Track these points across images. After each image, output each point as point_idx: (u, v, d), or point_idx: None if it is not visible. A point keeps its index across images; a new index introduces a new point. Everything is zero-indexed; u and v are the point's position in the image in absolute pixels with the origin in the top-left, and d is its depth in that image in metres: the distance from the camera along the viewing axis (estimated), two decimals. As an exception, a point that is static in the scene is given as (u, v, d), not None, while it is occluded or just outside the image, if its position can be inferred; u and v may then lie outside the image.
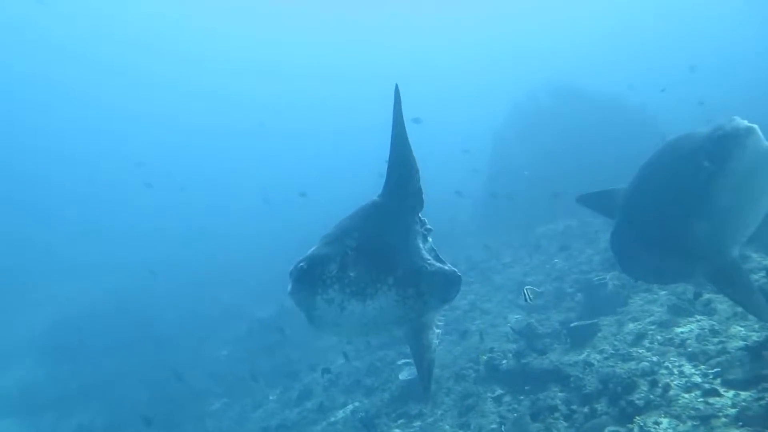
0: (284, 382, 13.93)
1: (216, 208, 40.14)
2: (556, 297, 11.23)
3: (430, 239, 3.97)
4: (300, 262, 3.59)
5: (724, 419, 5.37)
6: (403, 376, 10.34)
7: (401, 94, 3.76)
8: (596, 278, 10.07)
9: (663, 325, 7.64)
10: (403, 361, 11.14)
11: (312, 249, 3.69)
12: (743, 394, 5.61)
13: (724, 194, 4.35)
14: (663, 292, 8.62)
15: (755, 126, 4.27)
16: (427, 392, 3.84)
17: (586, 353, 8.01)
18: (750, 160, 4.27)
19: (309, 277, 3.52)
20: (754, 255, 8.28)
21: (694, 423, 5.54)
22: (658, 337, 7.41)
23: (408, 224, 3.84)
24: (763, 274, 7.35)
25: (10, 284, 30.66)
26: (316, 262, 3.53)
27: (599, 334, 8.40)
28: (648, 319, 8.01)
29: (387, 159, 3.83)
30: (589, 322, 8.73)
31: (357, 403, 10.82)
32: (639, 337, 7.65)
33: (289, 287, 3.62)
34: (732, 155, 4.26)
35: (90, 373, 18.21)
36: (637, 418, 5.95)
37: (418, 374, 3.83)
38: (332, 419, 10.71)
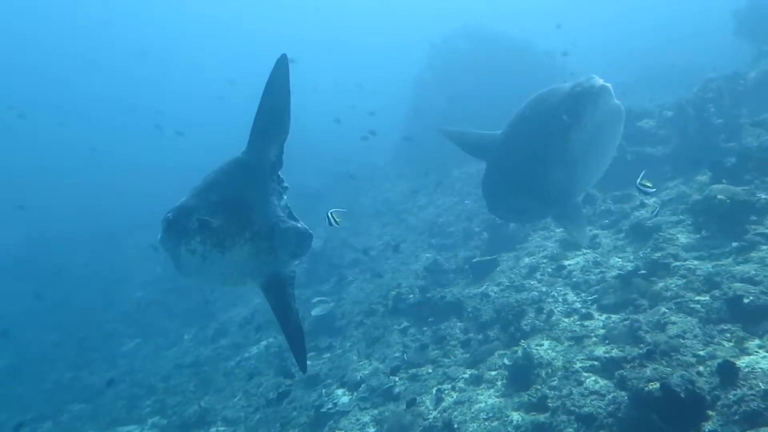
0: (200, 321, 13.99)
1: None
2: (465, 236, 11.76)
3: (285, 197, 4.10)
4: (168, 212, 3.69)
5: (594, 339, 5.98)
6: (316, 312, 10.67)
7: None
8: (500, 218, 10.62)
9: (554, 258, 8.24)
10: (318, 299, 11.45)
11: (181, 200, 3.78)
12: (613, 317, 6.23)
13: (577, 145, 4.83)
14: (559, 230, 9.24)
15: (608, 85, 4.74)
16: (304, 368, 3.91)
17: (485, 286, 8.54)
18: (600, 115, 4.76)
19: (174, 228, 3.65)
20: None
21: (570, 344, 6.12)
22: (549, 270, 8.00)
23: (266, 182, 3.96)
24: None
25: None
26: (182, 213, 3.65)
27: (498, 269, 8.95)
28: (542, 254, 8.60)
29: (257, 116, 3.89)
30: (490, 258, 9.26)
31: (271, 339, 11.07)
32: (532, 270, 8.22)
33: (159, 236, 3.74)
34: (585, 110, 4.72)
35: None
36: (523, 342, 6.48)
37: (289, 344, 3.89)
38: (246, 355, 10.95)
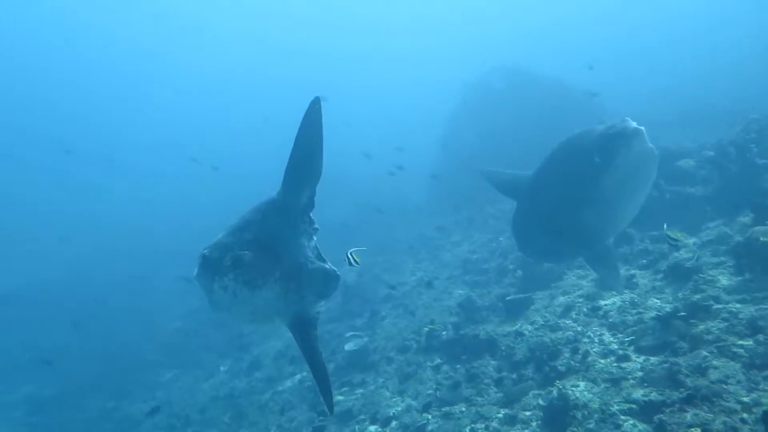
0: (235, 354, 14.14)
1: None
2: (498, 273, 11.70)
3: (314, 238, 4.20)
4: (204, 248, 3.83)
5: (632, 381, 5.87)
6: (349, 347, 10.69)
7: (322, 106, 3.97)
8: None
9: (589, 297, 8.15)
10: (351, 333, 11.51)
11: (217, 237, 3.93)
12: (652, 359, 6.12)
13: (609, 188, 4.86)
14: (594, 269, 9.15)
15: (642, 128, 4.77)
16: (331, 408, 3.95)
17: (519, 324, 8.47)
18: (633, 158, 4.79)
19: (209, 264, 3.81)
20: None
21: (607, 385, 6.03)
22: (585, 309, 7.90)
23: (297, 223, 4.09)
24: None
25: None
26: (216, 251, 3.80)
27: (532, 307, 8.88)
28: (577, 293, 8.51)
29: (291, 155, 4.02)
30: (524, 295, 9.21)
31: (305, 373, 11.11)
32: (567, 309, 8.14)
33: (195, 271, 3.87)
34: (619, 153, 4.76)
35: (40, 344, 18.01)
36: (558, 382, 6.40)
37: (317, 384, 3.96)
38: (279, 388, 11.01)
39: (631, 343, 6.64)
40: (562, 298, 8.60)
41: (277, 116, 28.01)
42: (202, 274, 3.88)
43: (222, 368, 13.82)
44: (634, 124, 4.87)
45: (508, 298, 9.39)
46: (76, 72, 58.57)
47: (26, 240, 31.34)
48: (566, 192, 5.10)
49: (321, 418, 8.77)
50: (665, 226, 5.69)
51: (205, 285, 3.90)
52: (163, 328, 17.88)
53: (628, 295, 7.71)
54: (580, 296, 8.37)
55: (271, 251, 3.90)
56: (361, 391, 9.44)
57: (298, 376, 11.16)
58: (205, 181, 32.76)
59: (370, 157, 18.59)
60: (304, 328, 4.05)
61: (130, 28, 59.44)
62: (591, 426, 5.40)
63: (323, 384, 3.91)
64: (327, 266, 4.14)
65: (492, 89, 20.55)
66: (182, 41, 62.49)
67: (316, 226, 4.26)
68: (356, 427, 8.23)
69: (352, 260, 5.26)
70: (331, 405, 3.95)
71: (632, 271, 8.36)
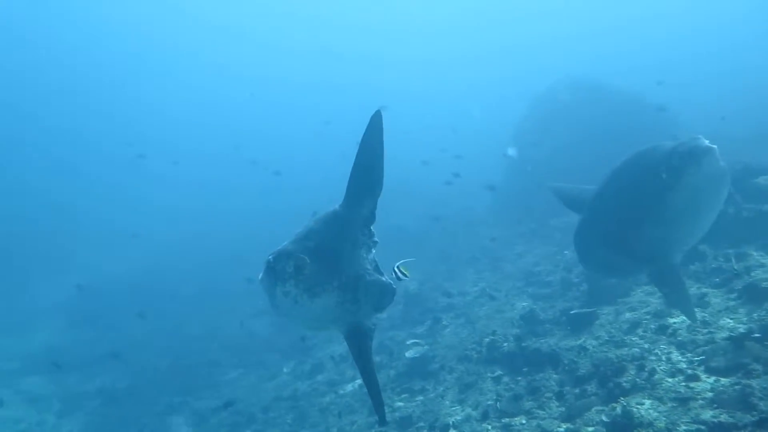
0: (298, 356, 14.50)
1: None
2: (563, 287, 11.55)
3: (373, 251, 4.32)
4: (270, 255, 4.02)
5: (701, 401, 5.72)
6: (410, 354, 10.81)
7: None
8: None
9: (658, 315, 7.95)
10: (412, 341, 11.63)
11: (282, 245, 4.11)
12: (723, 380, 5.94)
13: (675, 206, 4.77)
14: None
15: (714, 147, 4.66)
16: (383, 420, 4.14)
17: (582, 339, 8.36)
18: (703, 177, 4.68)
19: (273, 270, 3.98)
20: (755, 253, 8.55)
21: (674, 405, 5.89)
22: (652, 326, 7.73)
23: (357, 235, 4.24)
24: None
25: (42, 248, 31.95)
26: (281, 257, 3.96)
27: (597, 322, 8.74)
28: (644, 310, 8.33)
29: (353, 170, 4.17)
30: (589, 310, 9.07)
31: (365, 379, 11.29)
32: (634, 326, 7.97)
33: (260, 275, 4.08)
34: (687, 171, 4.67)
35: (113, 339, 19.04)
36: (622, 399, 6.30)
37: (369, 395, 4.15)
38: (341, 392, 11.24)
39: (701, 363, 6.46)
40: (628, 314, 8.43)
41: (338, 122, 28.54)
42: (266, 279, 4.06)
43: (285, 370, 14.21)
44: (706, 142, 4.77)
45: (572, 312, 9.28)
46: (147, 85, 61.41)
47: (105, 233, 32.96)
48: (630, 207, 5.06)
49: (382, 428, 8.85)
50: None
51: (268, 289, 4.08)
52: (229, 329, 18.52)
53: (699, 314, 7.47)
54: (648, 313, 8.18)
55: (331, 261, 4.04)
56: (421, 398, 9.54)
57: (359, 381, 11.33)
58: (268, 189, 33.81)
59: (428, 165, 18.66)
60: (358, 339, 4.19)
61: (198, 42, 62.10)
62: (656, 445, 5.31)
63: (375, 395, 4.03)
64: (384, 279, 4.27)
65: (560, 100, 20.28)
66: (248, 53, 64.46)
67: (376, 239, 4.39)
68: (415, 434, 8.32)
69: (399, 274, 5.23)
70: (383, 415, 4.07)
71: (704, 290, 8.11)
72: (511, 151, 18.83)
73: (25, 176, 48.05)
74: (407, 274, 5.17)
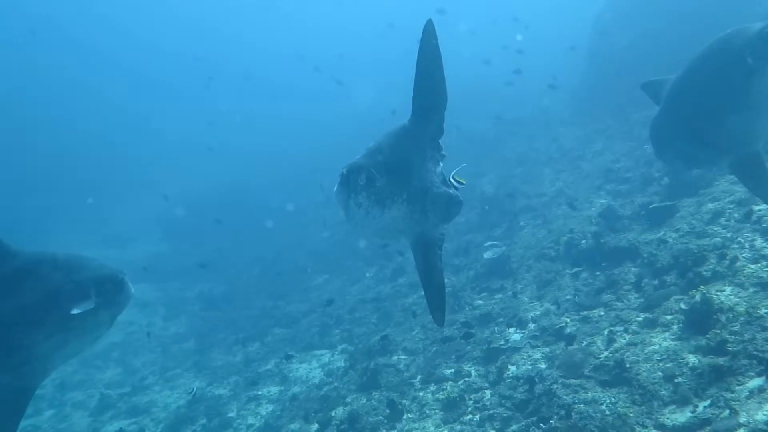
0: (380, 261, 15.13)
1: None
2: (643, 181, 11.29)
3: (441, 164, 4.42)
4: (343, 168, 4.22)
5: (784, 286, 5.69)
6: (488, 255, 11.08)
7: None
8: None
9: (742, 203, 7.74)
10: (489, 243, 11.86)
11: (355, 158, 4.30)
12: (808, 265, 5.85)
13: (761, 91, 4.50)
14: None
15: None
16: (441, 322, 4.34)
17: (662, 232, 8.30)
18: None
19: (346, 183, 4.14)
20: None
21: (755, 290, 5.89)
22: (735, 215, 7.56)
23: (425, 149, 4.35)
24: None
25: (128, 168, 34.28)
26: (354, 170, 4.10)
27: (677, 215, 8.61)
28: (728, 199, 8.11)
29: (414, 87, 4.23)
30: (669, 203, 8.92)
31: (446, 280, 11.72)
32: (716, 216, 7.83)
33: (334, 188, 4.31)
34: None
35: (208, 249, 20.49)
36: (702, 287, 6.33)
37: (427, 300, 4.36)
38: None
39: (786, 248, 6.36)
40: (710, 205, 8.24)
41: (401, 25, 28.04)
42: (340, 191, 4.29)
43: (368, 274, 14.92)
44: None
45: (651, 206, 9.15)
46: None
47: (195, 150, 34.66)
48: (711, 95, 4.85)
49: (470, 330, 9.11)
50: None
51: (342, 201, 4.32)
52: (314, 237, 19.46)
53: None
54: (731, 202, 7.97)
55: (400, 175, 4.18)
56: (500, 296, 9.88)
57: (438, 282, 11.80)
58: (333, 95, 34.29)
59: (490, 64, 18.01)
60: (425, 248, 4.42)
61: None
62: (736, 328, 5.38)
63: (438, 299, 4.30)
64: (451, 191, 4.44)
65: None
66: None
67: (444, 152, 4.53)
68: (495, 328, 8.71)
69: (455, 183, 5.24)
70: (441, 320, 4.36)
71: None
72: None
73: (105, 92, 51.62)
74: (463, 182, 5.27)
